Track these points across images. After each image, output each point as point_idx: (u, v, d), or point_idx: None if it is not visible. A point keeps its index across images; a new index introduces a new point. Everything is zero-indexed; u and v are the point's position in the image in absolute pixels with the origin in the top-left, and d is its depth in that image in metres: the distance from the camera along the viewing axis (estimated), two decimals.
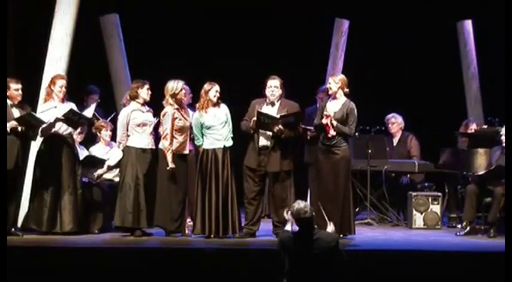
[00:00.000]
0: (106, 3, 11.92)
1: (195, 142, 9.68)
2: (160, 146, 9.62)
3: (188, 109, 9.82)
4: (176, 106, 9.55)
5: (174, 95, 9.54)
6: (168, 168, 9.45)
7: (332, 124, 9.35)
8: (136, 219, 9.49)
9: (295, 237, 7.19)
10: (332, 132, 9.34)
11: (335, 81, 9.53)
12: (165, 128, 9.53)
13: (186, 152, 9.64)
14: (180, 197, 9.55)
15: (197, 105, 9.65)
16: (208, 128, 9.53)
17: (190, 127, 9.66)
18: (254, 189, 9.54)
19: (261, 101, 9.60)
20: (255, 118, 9.38)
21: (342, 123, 9.41)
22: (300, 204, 7.16)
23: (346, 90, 9.54)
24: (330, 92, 9.56)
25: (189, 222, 9.78)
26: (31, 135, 9.53)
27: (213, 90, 9.53)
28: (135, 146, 9.61)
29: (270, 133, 9.42)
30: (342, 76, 9.67)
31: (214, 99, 9.53)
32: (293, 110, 9.48)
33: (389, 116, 11.47)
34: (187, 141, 9.63)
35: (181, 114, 9.59)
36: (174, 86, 9.55)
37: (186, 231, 9.62)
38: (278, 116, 9.35)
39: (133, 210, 9.48)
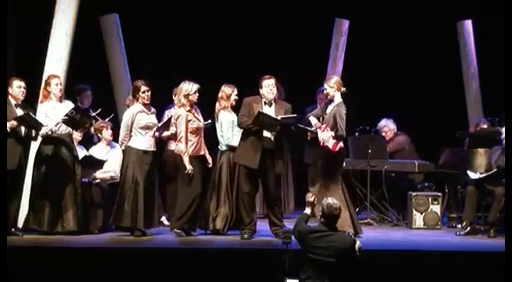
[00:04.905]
0: (106, 3, 11.92)
1: (227, 142, 9.73)
2: (175, 150, 9.63)
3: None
4: (188, 108, 9.55)
5: (187, 96, 9.53)
6: (186, 171, 9.43)
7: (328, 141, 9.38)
8: (135, 219, 9.48)
9: (313, 231, 7.30)
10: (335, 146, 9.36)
11: (330, 86, 9.59)
12: (180, 131, 9.50)
13: (202, 152, 9.62)
14: (195, 197, 9.51)
15: (217, 107, 9.77)
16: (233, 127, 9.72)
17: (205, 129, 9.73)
18: (253, 190, 9.53)
19: (257, 100, 9.58)
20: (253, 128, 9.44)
21: (333, 125, 9.41)
22: (333, 200, 7.42)
23: (343, 89, 9.60)
24: (328, 97, 9.60)
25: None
26: (32, 136, 9.54)
27: (233, 95, 9.72)
28: (137, 147, 9.60)
29: (271, 134, 9.43)
30: (336, 78, 9.73)
31: (234, 103, 9.69)
32: (289, 111, 9.51)
33: (382, 125, 11.40)
34: (201, 142, 9.61)
35: (194, 115, 9.58)
36: (189, 87, 9.54)
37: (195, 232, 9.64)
38: (279, 118, 9.37)
39: (131, 210, 9.47)
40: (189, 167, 9.42)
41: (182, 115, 9.52)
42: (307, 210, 7.80)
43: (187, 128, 9.50)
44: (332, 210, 7.40)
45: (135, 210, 9.47)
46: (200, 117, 9.66)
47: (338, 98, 9.51)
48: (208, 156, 9.70)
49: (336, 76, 9.88)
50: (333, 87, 9.55)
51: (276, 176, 9.51)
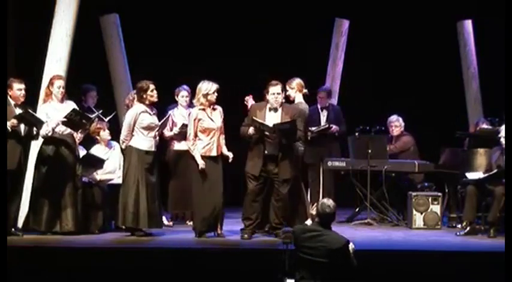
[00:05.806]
0: (106, 3, 11.92)
1: None
2: (185, 147, 9.67)
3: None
4: (202, 107, 9.50)
5: (206, 95, 9.49)
6: (199, 167, 9.40)
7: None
8: (136, 219, 9.47)
9: (306, 230, 7.33)
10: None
11: (291, 87, 9.69)
12: (189, 128, 9.55)
13: (214, 154, 9.53)
14: (211, 198, 9.47)
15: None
16: None
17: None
18: (258, 191, 9.51)
19: (262, 106, 9.58)
20: (251, 130, 9.44)
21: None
22: (328, 200, 7.42)
23: (305, 91, 9.80)
24: (290, 99, 9.66)
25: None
26: (33, 135, 9.54)
27: None
28: (138, 148, 9.57)
29: (272, 140, 9.43)
30: (297, 80, 9.77)
31: None
32: (295, 114, 9.50)
33: (394, 119, 11.41)
34: (215, 143, 9.52)
35: (207, 115, 9.54)
36: (208, 87, 9.49)
37: (220, 231, 9.57)
38: (272, 125, 9.36)
39: (134, 210, 9.46)
40: (201, 161, 9.40)
41: (192, 113, 9.54)
42: (308, 222, 7.77)
43: (196, 126, 9.50)
44: (324, 207, 7.37)
45: (138, 211, 9.46)
46: (216, 118, 9.55)
47: (299, 99, 9.58)
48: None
49: (298, 78, 9.90)
50: (293, 88, 9.67)
51: (283, 182, 9.47)
